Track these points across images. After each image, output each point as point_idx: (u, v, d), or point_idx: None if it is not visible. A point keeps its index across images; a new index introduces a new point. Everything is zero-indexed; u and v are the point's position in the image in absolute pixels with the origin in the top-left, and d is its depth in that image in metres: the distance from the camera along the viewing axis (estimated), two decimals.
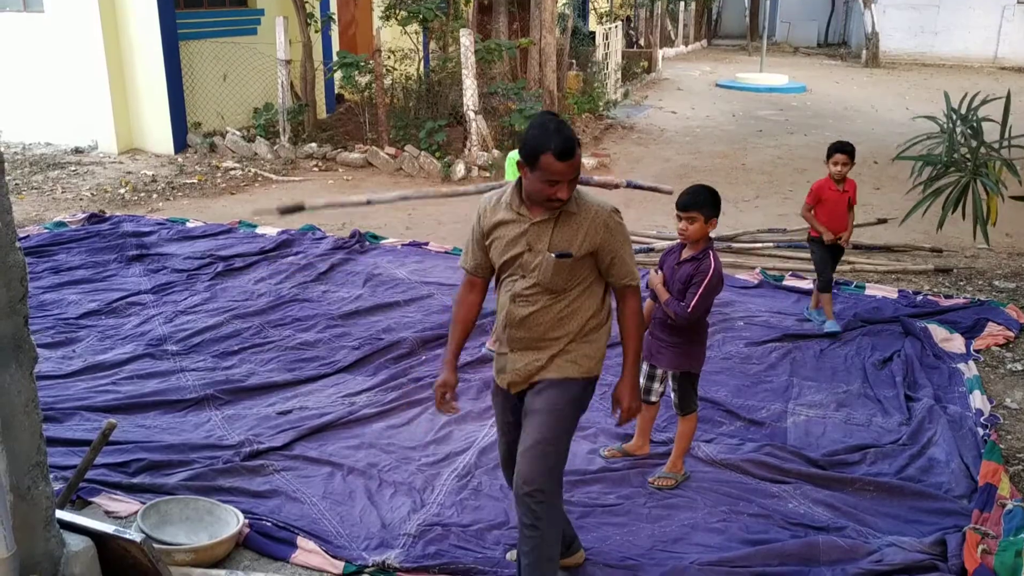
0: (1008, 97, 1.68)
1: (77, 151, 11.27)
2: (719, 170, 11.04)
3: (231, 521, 3.48)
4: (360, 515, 3.73)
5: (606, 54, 15.43)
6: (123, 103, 11.18)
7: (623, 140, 13.06)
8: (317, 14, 12.05)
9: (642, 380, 4.04)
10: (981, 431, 4.45)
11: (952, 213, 1.77)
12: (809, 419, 4.69)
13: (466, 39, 10.17)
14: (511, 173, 6.33)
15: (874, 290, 6.65)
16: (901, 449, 4.33)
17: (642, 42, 23.21)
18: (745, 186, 9.82)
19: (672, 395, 4.06)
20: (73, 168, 10.44)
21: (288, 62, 11.19)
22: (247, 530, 3.53)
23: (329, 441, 4.35)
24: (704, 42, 31.63)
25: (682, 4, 28.07)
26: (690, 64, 24.55)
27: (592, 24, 20.61)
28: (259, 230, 8.10)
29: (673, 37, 27.31)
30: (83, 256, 7.15)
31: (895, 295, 6.49)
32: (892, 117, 15.17)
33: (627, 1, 23.20)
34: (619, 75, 16.60)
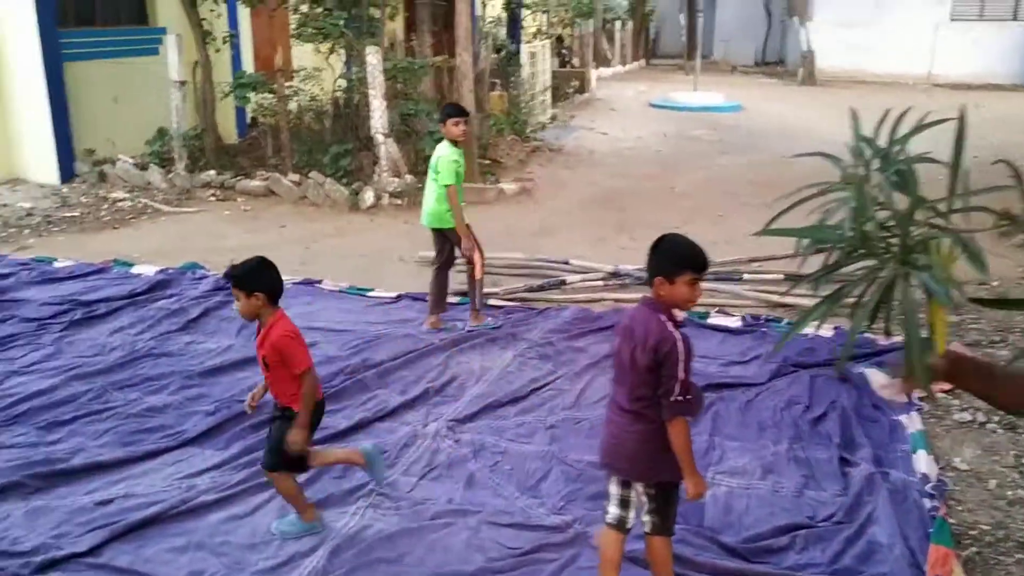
0: (962, 119, 1.03)
1: None
2: (647, 193, 10.44)
3: None
4: None
5: (533, 73, 14.82)
6: (1, 129, 10.22)
7: (550, 163, 12.43)
8: (218, 32, 11.21)
9: (615, 509, 3.09)
10: (928, 503, 3.82)
11: (869, 327, 1.15)
12: (731, 491, 4.02)
13: (373, 57, 9.44)
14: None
15: (806, 327, 6.01)
16: (836, 529, 3.67)
17: (576, 62, 22.70)
18: (673, 212, 9.22)
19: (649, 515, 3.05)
20: None
21: (183, 83, 10.34)
22: None
23: (150, 541, 3.56)
24: (642, 61, 31.30)
25: (619, 23, 27.71)
26: (626, 84, 24.10)
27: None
28: (135, 269, 7.26)
29: (610, 56, 26.88)
30: None
31: (831, 333, 5.84)
32: (832, 137, 14.78)
33: (561, 20, 22.75)
34: (548, 96, 15.98)
